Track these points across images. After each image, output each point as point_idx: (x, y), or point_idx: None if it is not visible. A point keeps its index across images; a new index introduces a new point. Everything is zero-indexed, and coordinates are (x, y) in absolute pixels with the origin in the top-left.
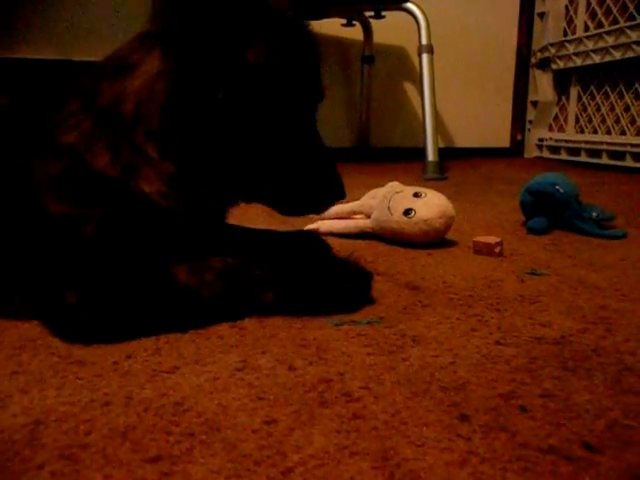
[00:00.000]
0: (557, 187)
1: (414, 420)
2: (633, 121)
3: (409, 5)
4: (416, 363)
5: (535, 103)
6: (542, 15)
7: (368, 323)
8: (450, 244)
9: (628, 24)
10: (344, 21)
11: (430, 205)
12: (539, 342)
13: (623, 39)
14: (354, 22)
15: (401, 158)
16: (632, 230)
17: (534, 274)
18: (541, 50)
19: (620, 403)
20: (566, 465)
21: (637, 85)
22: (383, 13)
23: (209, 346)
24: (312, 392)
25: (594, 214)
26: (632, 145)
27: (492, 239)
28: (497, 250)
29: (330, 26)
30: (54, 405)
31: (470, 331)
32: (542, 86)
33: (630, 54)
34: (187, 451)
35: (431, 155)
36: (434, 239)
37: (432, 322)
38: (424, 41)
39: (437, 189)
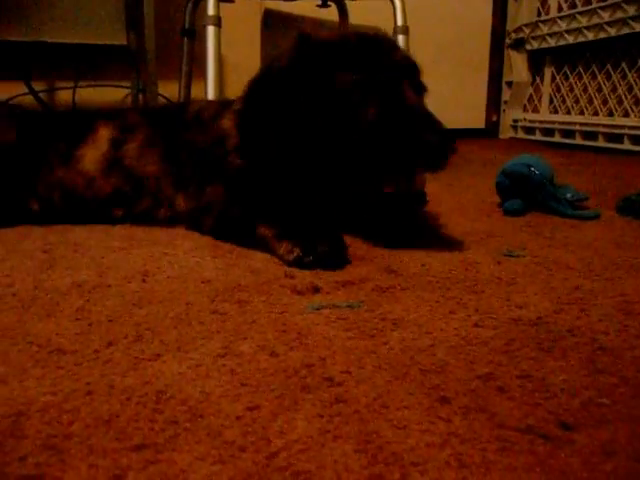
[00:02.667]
0: (532, 169)
1: (395, 403)
2: (605, 102)
3: None
4: (396, 346)
5: (510, 84)
6: None
7: (348, 307)
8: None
9: (601, 4)
10: (319, 2)
11: None
12: (516, 323)
13: (596, 20)
14: (329, 2)
15: None
16: (605, 210)
17: (510, 255)
18: (515, 31)
19: (594, 382)
20: (543, 444)
21: (609, 66)
22: None
23: (190, 332)
24: (294, 377)
25: (568, 195)
26: (604, 125)
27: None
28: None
29: (305, 6)
30: (36, 395)
31: (449, 314)
32: (517, 67)
33: (603, 35)
34: (171, 439)
35: None
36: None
37: (411, 305)
38: (399, 22)
39: None
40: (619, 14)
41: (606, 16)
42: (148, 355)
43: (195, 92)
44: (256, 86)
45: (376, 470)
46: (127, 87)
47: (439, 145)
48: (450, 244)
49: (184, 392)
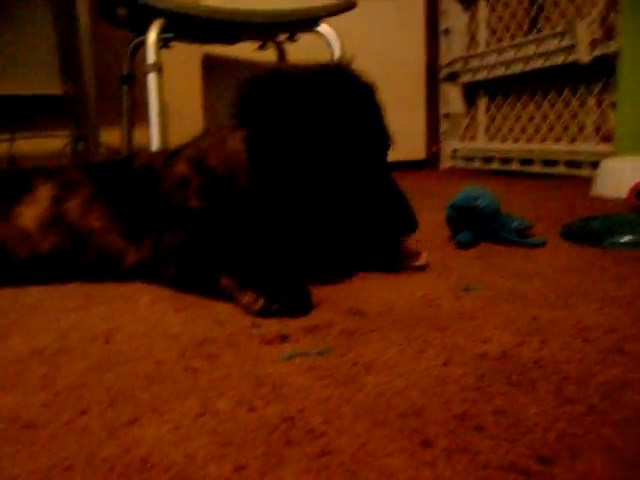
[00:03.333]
0: (479, 201)
1: (379, 451)
2: (538, 129)
3: (321, 28)
4: (372, 392)
5: (447, 115)
6: (447, 31)
7: (319, 353)
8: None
9: (526, 39)
10: (257, 44)
11: None
12: (483, 359)
13: (523, 53)
14: (268, 45)
15: None
16: (550, 236)
17: (468, 289)
18: (448, 65)
19: (565, 413)
20: None
21: (538, 96)
22: (296, 36)
23: (164, 392)
24: (276, 432)
25: (515, 224)
26: (539, 152)
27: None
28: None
29: (243, 49)
30: (12, 476)
31: (418, 353)
32: (452, 99)
33: (530, 67)
34: None
35: None
36: None
37: (380, 347)
38: (336, 58)
39: None
40: (542, 48)
41: (531, 50)
42: (124, 420)
43: (138, 138)
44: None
45: None
46: (66, 136)
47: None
48: (409, 280)
49: (167, 457)
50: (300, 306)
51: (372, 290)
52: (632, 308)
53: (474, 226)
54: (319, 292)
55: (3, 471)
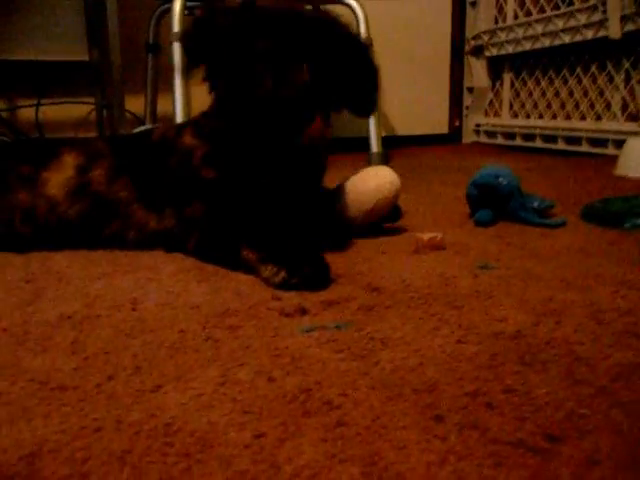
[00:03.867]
0: (501, 179)
1: (393, 424)
2: (563, 106)
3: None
4: (387, 366)
5: (471, 89)
6: (474, 4)
7: (337, 327)
8: (402, 241)
9: (555, 13)
10: None
11: (378, 174)
12: (497, 338)
13: (551, 27)
14: None
15: (347, 149)
16: (570, 217)
17: (485, 268)
18: (474, 38)
19: (574, 393)
20: (533, 457)
21: (565, 71)
22: (322, 7)
23: (187, 361)
24: (294, 403)
25: (535, 204)
26: (563, 129)
27: (432, 235)
28: (440, 244)
29: None
30: (45, 435)
31: (433, 330)
32: (477, 73)
33: (558, 42)
34: (185, 471)
35: (375, 147)
36: (384, 208)
37: (397, 323)
38: (363, 34)
39: None
40: (572, 22)
41: (560, 24)
42: (149, 387)
43: (162, 107)
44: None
45: None
46: (91, 103)
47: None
48: (427, 258)
49: (190, 423)
50: (319, 280)
51: (390, 267)
52: None
53: (494, 204)
54: (337, 267)
55: (36, 430)
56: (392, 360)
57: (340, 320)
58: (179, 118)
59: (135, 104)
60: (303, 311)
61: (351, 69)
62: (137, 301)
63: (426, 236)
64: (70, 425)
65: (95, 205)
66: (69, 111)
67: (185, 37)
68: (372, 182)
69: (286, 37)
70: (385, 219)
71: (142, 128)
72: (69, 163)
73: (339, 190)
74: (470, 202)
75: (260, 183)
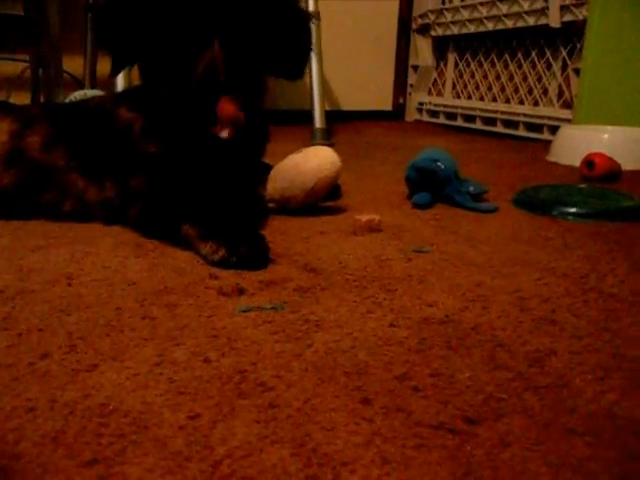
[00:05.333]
0: (439, 163)
1: (323, 406)
2: (503, 89)
3: None
4: (321, 349)
5: (416, 68)
6: None
7: (273, 308)
8: (341, 221)
9: None
10: None
11: (319, 154)
12: (427, 322)
13: (495, 11)
14: None
15: (288, 121)
16: (503, 202)
17: (420, 252)
18: (421, 16)
19: (494, 378)
20: (452, 439)
21: (507, 56)
22: None
23: (124, 340)
24: (229, 384)
25: (471, 188)
26: (502, 112)
27: (370, 217)
28: (377, 227)
29: None
30: None
31: (366, 313)
32: (422, 51)
33: (501, 26)
34: (120, 452)
35: (318, 122)
36: (325, 188)
37: (332, 306)
38: (311, 8)
39: None
40: (515, 8)
41: (504, 9)
42: (85, 366)
43: (102, 69)
44: None
45: (311, 472)
46: (25, 61)
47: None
48: (365, 240)
49: (126, 404)
50: (258, 260)
51: (328, 248)
52: (567, 279)
53: (432, 188)
54: (276, 246)
55: None
56: (325, 342)
57: (276, 301)
58: (119, 82)
59: (74, 65)
60: (240, 291)
61: (278, 31)
62: (73, 276)
63: (364, 218)
64: (2, 405)
65: (30, 172)
66: (0, 67)
67: (97, 20)
68: (313, 162)
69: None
70: (325, 198)
71: (79, 93)
72: (3, 129)
73: (279, 168)
74: (409, 184)
75: (197, 158)
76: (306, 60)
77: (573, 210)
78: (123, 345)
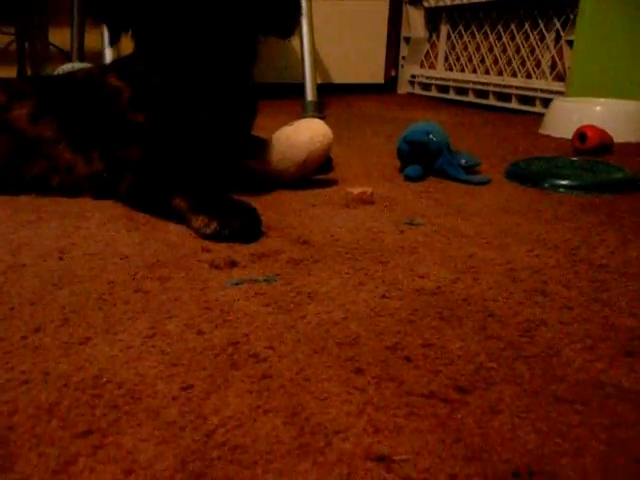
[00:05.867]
0: (431, 136)
1: (316, 376)
2: (496, 61)
3: None
4: (313, 320)
5: (408, 40)
6: None
7: (265, 281)
8: (333, 194)
9: None
10: None
11: (311, 127)
12: (418, 294)
13: None
14: None
15: (280, 94)
16: (495, 175)
17: (411, 224)
18: None
19: (485, 348)
20: (443, 407)
21: (500, 27)
22: None
23: (116, 313)
24: (222, 355)
25: (463, 161)
26: (494, 85)
27: (362, 189)
28: (369, 199)
29: None
30: None
31: (359, 285)
32: (414, 23)
33: None
34: (114, 423)
35: (310, 95)
36: (317, 160)
37: (324, 278)
38: None
39: None
40: None
41: None
42: (77, 339)
43: (89, 42)
44: None
45: (304, 440)
46: (11, 33)
47: None
48: (357, 212)
49: (119, 375)
50: (251, 233)
51: (320, 220)
52: (558, 251)
53: (424, 160)
54: (268, 219)
55: None
56: (318, 314)
57: (269, 273)
58: (108, 54)
59: (61, 38)
60: (232, 263)
61: None
62: (64, 250)
63: (356, 190)
64: None
65: (18, 143)
66: None
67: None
68: (305, 134)
69: None
70: (317, 171)
71: (67, 66)
72: None
73: (271, 141)
74: (400, 157)
75: (190, 128)
76: (297, 16)
77: (564, 182)
78: (116, 318)
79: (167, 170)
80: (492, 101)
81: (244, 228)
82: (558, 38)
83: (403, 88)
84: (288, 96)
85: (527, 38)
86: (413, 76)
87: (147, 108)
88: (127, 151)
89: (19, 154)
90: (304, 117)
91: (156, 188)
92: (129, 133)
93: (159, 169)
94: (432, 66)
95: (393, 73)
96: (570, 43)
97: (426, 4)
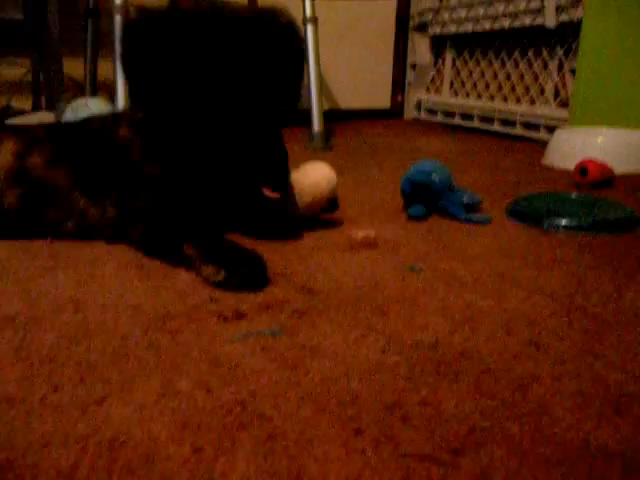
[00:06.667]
0: (434, 176)
1: (318, 437)
2: (500, 88)
3: None
4: (316, 377)
5: (414, 66)
6: None
7: (271, 333)
8: (337, 236)
9: None
10: None
11: (316, 172)
12: (417, 347)
13: (492, 11)
14: None
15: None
16: (496, 212)
17: (414, 270)
18: (419, 14)
19: (479, 406)
20: (437, 470)
21: (504, 54)
22: None
23: (131, 370)
24: (230, 416)
25: (464, 199)
26: (499, 111)
27: (366, 233)
28: (372, 243)
29: None
30: None
31: (360, 338)
32: (420, 49)
33: (497, 25)
34: None
35: (317, 125)
36: (321, 203)
37: (327, 330)
38: (308, 13)
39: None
40: (511, 8)
41: (500, 9)
42: (94, 398)
43: (102, 71)
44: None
45: None
46: (26, 65)
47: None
48: (360, 256)
49: (134, 438)
50: (257, 281)
51: (325, 266)
52: (554, 299)
53: (426, 200)
54: (274, 265)
55: None
56: (320, 370)
57: (275, 325)
58: (120, 89)
59: (75, 68)
60: (240, 315)
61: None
62: (79, 301)
63: (360, 235)
64: (18, 441)
65: (34, 190)
66: (1, 73)
67: (124, 51)
68: (311, 179)
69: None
70: (323, 210)
71: (80, 102)
72: (8, 149)
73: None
74: (404, 196)
75: (204, 183)
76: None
77: (564, 222)
78: (130, 375)
79: (178, 219)
80: (497, 127)
81: (251, 277)
82: (561, 66)
83: (409, 113)
84: (294, 123)
85: (530, 65)
86: (419, 101)
87: (162, 161)
88: (138, 200)
89: (35, 200)
90: (310, 147)
91: (167, 236)
92: (142, 183)
93: (170, 218)
94: (438, 92)
95: (399, 98)
96: (573, 71)
97: (431, 31)
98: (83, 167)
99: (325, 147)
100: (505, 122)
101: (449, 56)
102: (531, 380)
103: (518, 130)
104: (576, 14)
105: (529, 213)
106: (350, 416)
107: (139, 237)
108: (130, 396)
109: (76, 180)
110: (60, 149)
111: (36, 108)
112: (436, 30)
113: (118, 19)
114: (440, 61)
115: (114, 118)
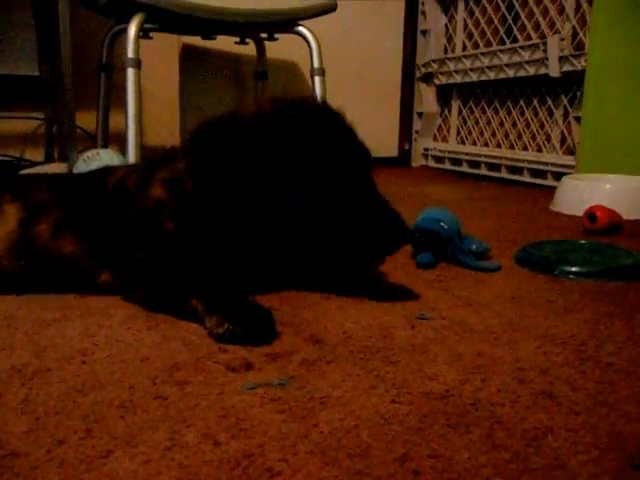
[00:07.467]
0: (442, 224)
1: None
2: (507, 135)
3: (301, 29)
4: (325, 429)
5: (421, 114)
6: (425, 32)
7: (280, 384)
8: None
9: (500, 47)
10: (237, 39)
11: None
12: (428, 398)
13: (496, 61)
14: (247, 40)
15: None
16: (505, 260)
17: (423, 318)
18: (425, 65)
19: (491, 459)
20: None
21: (509, 103)
22: (276, 36)
23: (137, 422)
24: (237, 469)
25: (473, 247)
26: (506, 158)
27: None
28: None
29: (223, 42)
30: None
31: (370, 389)
32: (426, 99)
33: (502, 75)
34: None
35: None
36: None
37: (337, 380)
38: (316, 65)
39: None
40: (516, 58)
41: (505, 59)
42: (100, 452)
43: (114, 123)
44: (216, 141)
45: None
46: (40, 119)
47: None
48: (369, 305)
49: None
50: (264, 334)
51: (332, 315)
52: (567, 347)
53: (435, 247)
54: (283, 314)
55: None
56: (330, 422)
57: (283, 376)
58: (131, 141)
59: (87, 121)
60: (248, 366)
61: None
62: (87, 352)
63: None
64: None
65: (40, 261)
66: (17, 126)
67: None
68: None
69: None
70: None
71: (92, 152)
72: (11, 215)
73: None
74: (412, 244)
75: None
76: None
77: (574, 269)
78: (136, 428)
79: (186, 273)
80: (504, 174)
81: (257, 329)
82: (566, 114)
83: (417, 161)
84: None
85: (536, 114)
86: (426, 149)
87: (184, 220)
88: (143, 255)
89: (42, 270)
90: None
91: (174, 290)
92: (152, 240)
93: (178, 272)
94: (445, 139)
95: (407, 147)
96: (578, 119)
97: (437, 81)
98: (96, 233)
99: None
100: (512, 169)
101: (455, 105)
102: (545, 432)
103: (526, 177)
104: (579, 63)
105: (538, 260)
106: (360, 469)
107: (144, 296)
108: (136, 449)
109: (87, 247)
110: (70, 215)
111: (49, 159)
112: (442, 80)
113: (130, 72)
114: (446, 110)
115: (141, 176)
